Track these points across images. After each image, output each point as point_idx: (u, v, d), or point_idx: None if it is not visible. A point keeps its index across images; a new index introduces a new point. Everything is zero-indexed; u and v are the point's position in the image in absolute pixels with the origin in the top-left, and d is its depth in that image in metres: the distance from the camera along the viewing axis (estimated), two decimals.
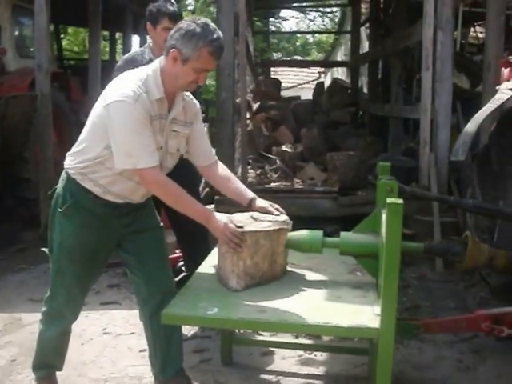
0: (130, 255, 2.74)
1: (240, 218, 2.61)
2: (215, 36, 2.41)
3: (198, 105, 2.77)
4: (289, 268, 2.78)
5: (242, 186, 2.82)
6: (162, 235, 2.85)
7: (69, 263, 2.63)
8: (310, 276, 2.70)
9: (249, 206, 2.72)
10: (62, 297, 2.70)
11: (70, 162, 2.60)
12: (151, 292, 2.72)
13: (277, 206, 2.74)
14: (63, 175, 2.64)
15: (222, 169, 2.84)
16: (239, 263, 2.47)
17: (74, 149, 2.62)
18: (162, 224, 2.87)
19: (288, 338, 3.62)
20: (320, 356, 3.53)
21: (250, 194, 2.76)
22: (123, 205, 2.62)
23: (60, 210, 2.59)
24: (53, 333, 2.77)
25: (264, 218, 2.61)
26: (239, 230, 2.46)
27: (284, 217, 2.67)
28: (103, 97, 2.48)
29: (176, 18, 3.57)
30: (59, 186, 2.65)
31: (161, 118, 2.50)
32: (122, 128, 2.36)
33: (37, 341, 2.83)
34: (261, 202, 2.73)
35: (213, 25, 2.46)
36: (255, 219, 2.61)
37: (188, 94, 2.68)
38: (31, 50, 6.75)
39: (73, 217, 2.58)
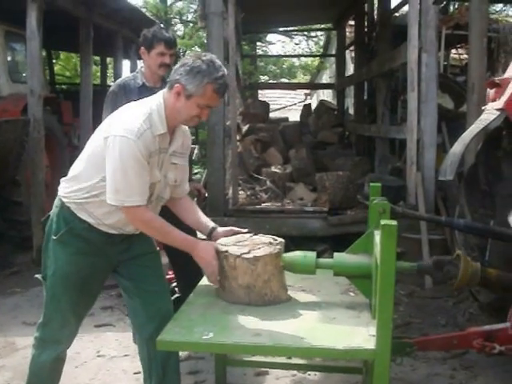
0: (127, 280, 2.73)
1: (226, 242, 2.63)
2: (220, 74, 2.41)
3: (190, 137, 2.79)
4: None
5: (203, 216, 2.84)
6: (158, 260, 2.83)
7: (64, 290, 2.60)
8: (304, 297, 2.69)
9: (210, 235, 2.73)
10: (57, 323, 2.64)
11: (65, 189, 2.58)
12: (149, 317, 2.68)
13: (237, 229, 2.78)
14: (57, 202, 2.61)
15: (189, 200, 2.86)
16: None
17: (69, 175, 2.61)
18: (157, 248, 2.85)
19: (282, 358, 3.64)
20: (314, 375, 3.56)
21: (211, 224, 2.79)
22: (117, 234, 2.62)
23: (54, 237, 2.56)
24: (46, 359, 2.69)
25: (252, 241, 2.63)
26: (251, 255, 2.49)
27: (267, 237, 2.68)
28: (104, 128, 2.48)
29: (171, 43, 3.66)
30: (53, 213, 2.62)
31: (161, 153, 2.50)
32: (118, 164, 2.35)
33: (29, 366, 2.74)
34: (223, 229, 2.77)
35: (218, 62, 2.47)
36: (243, 243, 2.61)
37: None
38: (24, 75, 6.81)
39: (67, 244, 2.55)
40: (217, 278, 2.54)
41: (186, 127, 2.69)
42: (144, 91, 3.64)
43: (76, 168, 2.59)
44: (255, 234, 2.72)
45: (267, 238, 2.66)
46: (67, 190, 2.57)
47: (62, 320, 2.64)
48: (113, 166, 2.37)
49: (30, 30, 5.79)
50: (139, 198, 2.42)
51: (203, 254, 2.54)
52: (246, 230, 2.76)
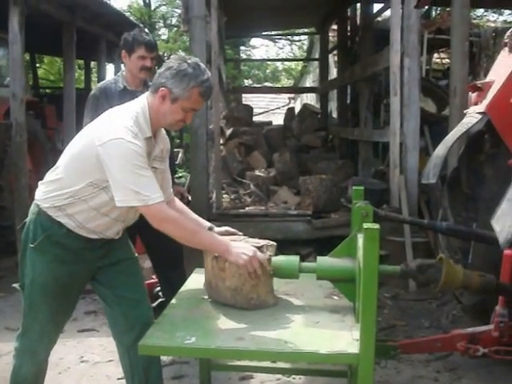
0: (106, 288, 2.68)
1: None
2: (206, 77, 2.41)
3: (169, 141, 2.77)
4: None
5: (198, 217, 2.81)
6: (137, 266, 2.79)
7: (42, 299, 2.55)
8: (288, 301, 2.68)
9: None
10: (35, 333, 2.58)
11: (43, 194, 2.53)
12: (129, 325, 2.63)
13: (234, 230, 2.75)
14: (33, 208, 2.56)
15: (178, 203, 2.83)
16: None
17: (48, 179, 2.56)
18: (136, 254, 2.80)
19: (266, 362, 3.63)
20: (298, 379, 3.55)
21: (207, 224, 2.77)
22: (97, 239, 2.57)
23: (31, 245, 2.50)
24: (27, 371, 2.64)
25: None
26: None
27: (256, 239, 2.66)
28: (87, 135, 2.45)
29: (152, 47, 3.66)
30: (29, 220, 2.56)
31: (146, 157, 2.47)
32: (126, 166, 2.29)
33: (10, 377, 2.68)
34: (219, 228, 2.75)
35: (202, 65, 2.46)
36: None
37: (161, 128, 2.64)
38: (6, 78, 6.76)
39: (45, 252, 2.49)
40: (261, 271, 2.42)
41: (164, 132, 2.67)
42: (125, 95, 3.61)
43: (56, 173, 2.54)
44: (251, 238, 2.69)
45: (261, 242, 2.61)
46: (46, 194, 2.52)
47: (40, 330, 2.59)
48: (120, 170, 2.30)
49: (12, 33, 5.77)
50: (157, 193, 2.34)
51: (241, 249, 2.42)
52: (241, 233, 2.74)
